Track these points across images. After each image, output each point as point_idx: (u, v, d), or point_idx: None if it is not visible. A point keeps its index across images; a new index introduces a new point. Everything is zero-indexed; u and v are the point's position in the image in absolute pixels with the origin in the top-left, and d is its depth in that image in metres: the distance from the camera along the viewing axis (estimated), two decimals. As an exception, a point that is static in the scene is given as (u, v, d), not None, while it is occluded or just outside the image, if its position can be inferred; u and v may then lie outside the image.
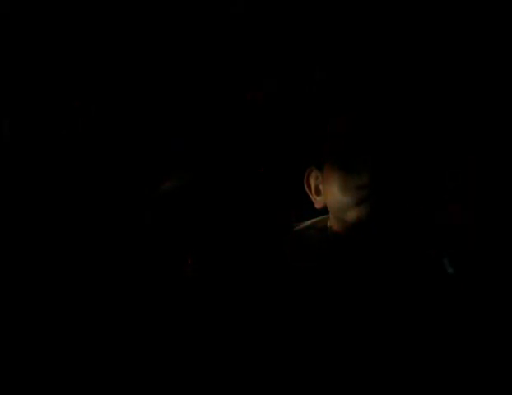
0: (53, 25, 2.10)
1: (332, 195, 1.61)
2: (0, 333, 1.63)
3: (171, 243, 1.61)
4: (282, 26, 2.05)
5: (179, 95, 2.13)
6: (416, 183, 1.60)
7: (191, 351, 1.55)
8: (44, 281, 1.68)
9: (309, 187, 1.70)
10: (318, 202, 1.68)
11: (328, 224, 1.67)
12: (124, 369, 1.58)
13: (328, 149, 1.63)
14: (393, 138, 1.59)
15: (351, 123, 1.61)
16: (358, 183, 1.56)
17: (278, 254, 1.60)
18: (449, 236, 1.74)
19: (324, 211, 1.68)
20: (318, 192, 1.68)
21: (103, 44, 2.10)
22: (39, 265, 1.69)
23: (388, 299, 1.56)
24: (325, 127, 1.63)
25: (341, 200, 1.58)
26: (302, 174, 1.69)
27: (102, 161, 1.96)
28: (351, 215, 1.57)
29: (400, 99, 1.79)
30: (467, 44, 1.93)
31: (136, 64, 2.11)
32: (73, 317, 1.63)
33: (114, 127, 2.04)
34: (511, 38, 1.90)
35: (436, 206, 1.77)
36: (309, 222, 1.74)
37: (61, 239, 1.74)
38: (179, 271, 1.59)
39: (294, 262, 1.61)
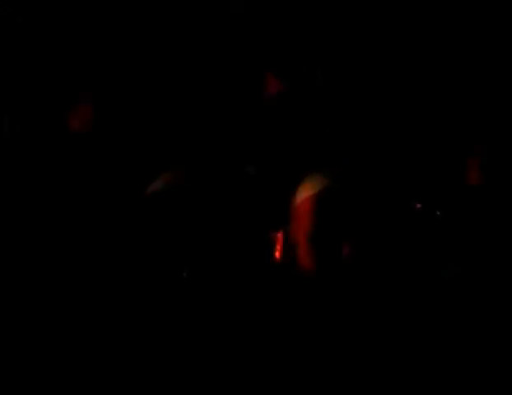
0: (53, 25, 2.10)
1: None
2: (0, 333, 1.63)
3: (166, 249, 1.61)
4: (283, 27, 2.05)
5: (178, 95, 2.13)
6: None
7: (188, 354, 1.56)
8: (43, 279, 1.68)
9: None
10: None
11: None
12: (123, 368, 1.59)
13: None
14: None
15: None
16: None
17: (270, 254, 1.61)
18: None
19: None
20: None
21: (103, 43, 2.10)
22: (39, 263, 1.70)
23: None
24: (323, 131, 1.63)
25: None
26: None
27: (101, 160, 1.96)
28: None
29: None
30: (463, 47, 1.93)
31: (136, 64, 2.11)
32: (71, 316, 1.64)
33: (113, 126, 2.04)
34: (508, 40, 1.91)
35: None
36: None
37: (60, 237, 1.75)
38: (174, 277, 1.59)
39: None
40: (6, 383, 1.59)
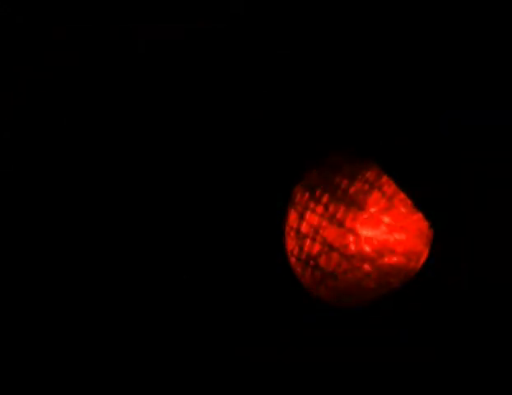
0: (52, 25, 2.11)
1: None
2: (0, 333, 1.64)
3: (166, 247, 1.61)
4: (284, 27, 2.06)
5: (176, 97, 2.13)
6: None
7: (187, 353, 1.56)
8: (43, 280, 1.68)
9: None
10: None
11: None
12: (122, 368, 1.59)
13: None
14: None
15: None
16: None
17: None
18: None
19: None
20: None
21: (100, 45, 2.10)
22: (39, 265, 1.70)
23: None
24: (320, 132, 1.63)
25: None
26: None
27: (101, 160, 1.97)
28: None
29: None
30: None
31: (132, 66, 2.11)
32: (71, 317, 1.64)
33: (113, 127, 2.05)
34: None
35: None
36: None
37: (60, 238, 1.75)
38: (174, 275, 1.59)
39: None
40: (6, 383, 1.60)
